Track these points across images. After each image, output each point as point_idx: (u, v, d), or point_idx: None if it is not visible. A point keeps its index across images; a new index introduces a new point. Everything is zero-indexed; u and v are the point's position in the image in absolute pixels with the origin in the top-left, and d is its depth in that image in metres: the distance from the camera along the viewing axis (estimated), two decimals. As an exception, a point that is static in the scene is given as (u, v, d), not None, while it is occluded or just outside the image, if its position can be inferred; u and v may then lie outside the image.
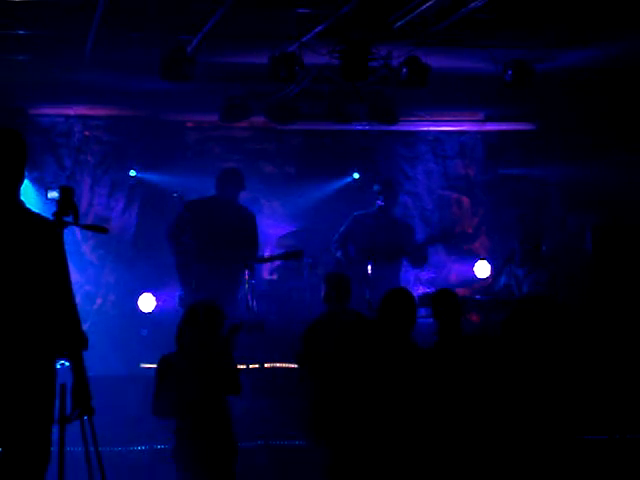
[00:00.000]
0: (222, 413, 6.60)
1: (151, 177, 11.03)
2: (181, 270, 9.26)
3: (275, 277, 10.82)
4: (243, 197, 9.79)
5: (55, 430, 4.62)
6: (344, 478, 6.12)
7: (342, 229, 9.97)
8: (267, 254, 10.68)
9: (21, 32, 7.78)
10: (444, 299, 6.72)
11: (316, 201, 11.45)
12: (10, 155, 4.58)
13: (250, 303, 8.90)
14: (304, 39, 7.93)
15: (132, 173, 10.98)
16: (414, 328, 6.41)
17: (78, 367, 4.60)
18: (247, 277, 8.94)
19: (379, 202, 9.90)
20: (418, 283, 11.57)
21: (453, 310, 6.62)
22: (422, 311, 10.37)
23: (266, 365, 8.74)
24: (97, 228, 5.51)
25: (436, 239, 10.59)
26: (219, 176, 9.58)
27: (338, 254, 9.83)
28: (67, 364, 4.64)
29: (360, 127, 11.27)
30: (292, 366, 8.28)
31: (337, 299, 7.41)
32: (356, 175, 11.60)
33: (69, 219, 4.82)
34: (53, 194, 4.84)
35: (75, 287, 4.68)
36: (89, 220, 10.48)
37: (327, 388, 6.43)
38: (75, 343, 4.60)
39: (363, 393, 5.83)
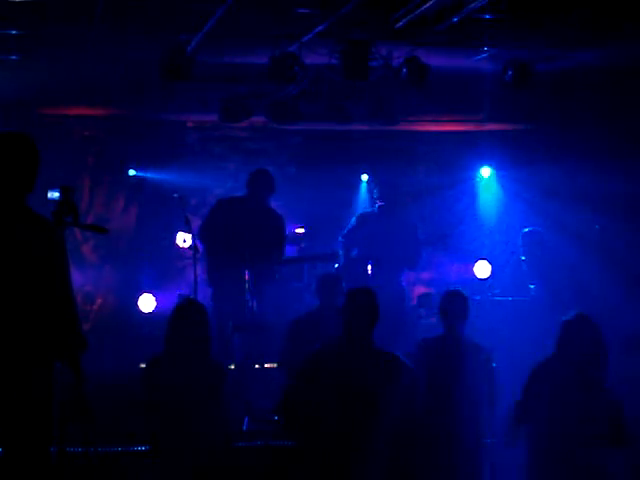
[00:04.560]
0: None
1: (151, 177, 11.04)
2: (211, 270, 9.17)
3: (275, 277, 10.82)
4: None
5: (55, 430, 4.62)
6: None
7: (349, 227, 9.81)
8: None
9: (21, 32, 7.78)
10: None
11: (316, 201, 11.46)
12: (20, 160, 4.56)
13: (250, 303, 8.91)
14: (304, 39, 7.93)
15: (131, 172, 10.97)
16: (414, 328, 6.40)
17: (76, 370, 4.59)
18: (247, 278, 8.94)
19: (380, 203, 9.81)
20: (418, 283, 11.57)
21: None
22: (422, 311, 10.42)
23: (266, 365, 8.73)
24: (97, 228, 5.50)
25: (431, 242, 10.52)
26: (250, 177, 9.43)
27: (341, 252, 9.69)
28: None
29: (360, 127, 11.27)
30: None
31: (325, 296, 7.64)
32: (365, 177, 11.54)
33: (69, 219, 4.82)
34: (53, 194, 4.83)
35: (75, 287, 4.68)
36: (89, 220, 10.48)
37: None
38: (74, 346, 4.59)
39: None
